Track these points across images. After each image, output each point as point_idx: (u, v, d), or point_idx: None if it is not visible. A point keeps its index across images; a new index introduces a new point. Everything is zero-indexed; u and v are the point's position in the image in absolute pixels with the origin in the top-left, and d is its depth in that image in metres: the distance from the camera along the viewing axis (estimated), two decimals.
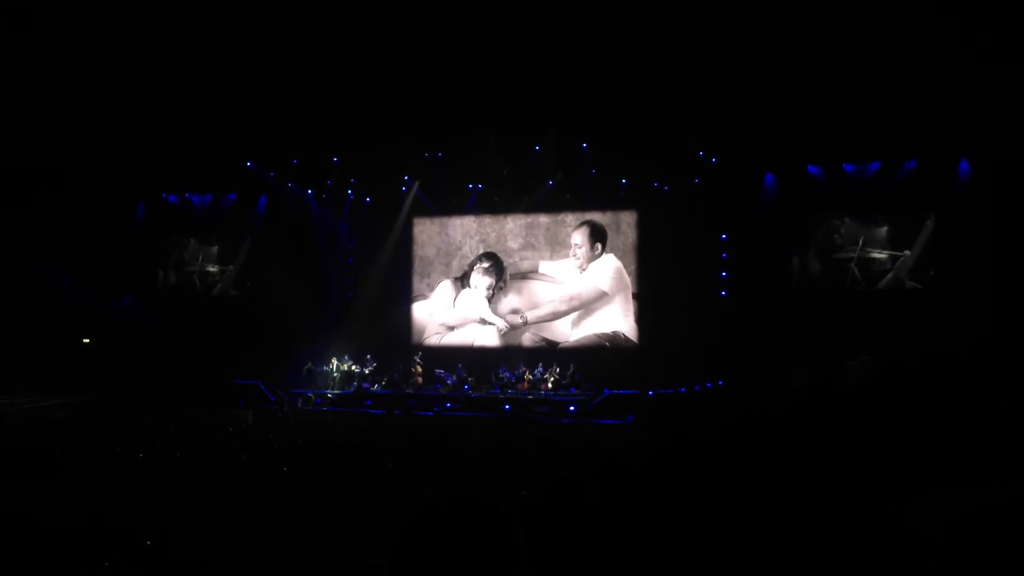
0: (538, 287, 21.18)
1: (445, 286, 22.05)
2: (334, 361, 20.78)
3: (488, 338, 21.29)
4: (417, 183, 22.07)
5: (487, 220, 21.92)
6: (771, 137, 18.26)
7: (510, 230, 21.66)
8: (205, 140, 19.56)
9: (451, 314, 21.75)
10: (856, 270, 18.72)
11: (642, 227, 20.59)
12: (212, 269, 24.03)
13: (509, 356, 20.65)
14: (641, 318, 20.39)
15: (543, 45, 16.85)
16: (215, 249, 24.02)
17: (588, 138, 20.28)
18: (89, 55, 18.28)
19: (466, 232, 22.09)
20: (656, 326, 19.86)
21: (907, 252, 18.36)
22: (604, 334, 20.50)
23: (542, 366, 19.66)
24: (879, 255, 18.53)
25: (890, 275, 18.51)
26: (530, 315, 21.09)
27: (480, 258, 21.77)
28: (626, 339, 20.36)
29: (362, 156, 22.00)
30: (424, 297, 22.28)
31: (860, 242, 18.65)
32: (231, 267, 23.84)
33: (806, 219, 19.29)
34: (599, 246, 20.72)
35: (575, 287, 20.79)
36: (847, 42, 16.13)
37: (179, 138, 19.07)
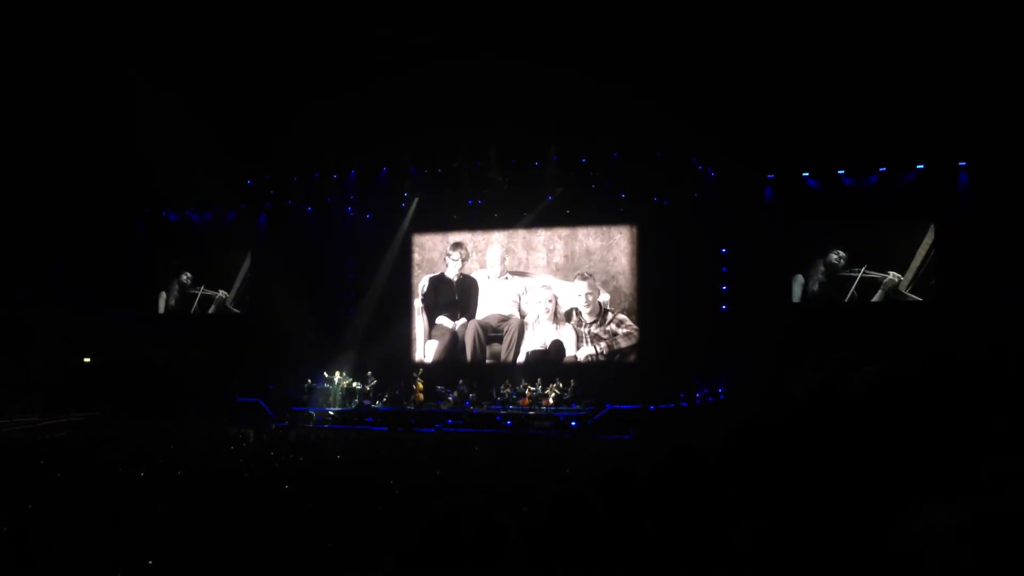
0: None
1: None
2: (335, 378, 20.74)
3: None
4: (417, 198, 22.12)
5: (486, 235, 21.93)
6: (770, 150, 18.32)
7: (510, 245, 21.68)
8: (205, 158, 19.65)
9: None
10: (855, 291, 18.74)
11: (642, 241, 20.61)
12: (212, 288, 24.05)
13: (510, 372, 20.62)
14: (641, 332, 20.38)
15: (544, 61, 16.95)
16: (215, 267, 24.04)
17: (587, 154, 20.34)
18: (88, 71, 18.41)
19: (465, 247, 22.10)
20: (657, 340, 19.83)
21: (892, 274, 18.40)
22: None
23: (543, 381, 19.60)
24: (879, 275, 18.54)
25: (880, 291, 18.54)
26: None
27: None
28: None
29: (361, 172, 22.11)
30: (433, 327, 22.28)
31: (863, 265, 18.66)
32: (232, 285, 23.86)
33: (807, 239, 19.30)
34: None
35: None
36: (846, 54, 16.23)
37: (180, 156, 19.16)
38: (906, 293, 18.43)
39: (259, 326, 22.04)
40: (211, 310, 23.96)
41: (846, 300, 18.81)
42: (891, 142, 17.64)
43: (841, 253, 18.89)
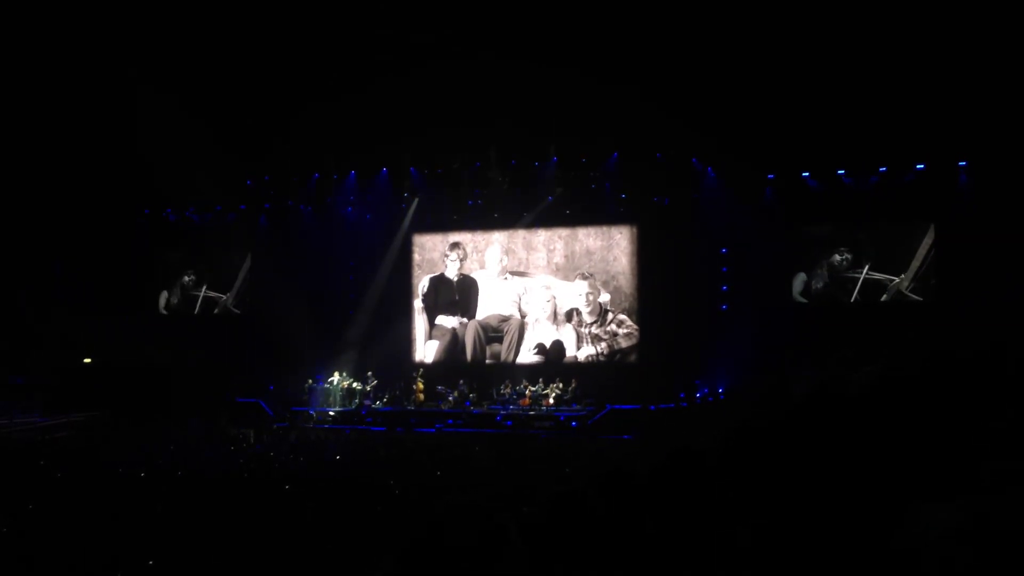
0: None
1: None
2: (335, 378, 20.74)
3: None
4: (416, 199, 22.11)
5: (486, 236, 21.93)
6: (770, 150, 18.32)
7: (510, 245, 21.67)
8: (205, 158, 19.66)
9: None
10: (857, 293, 18.73)
11: (642, 241, 20.60)
12: (214, 290, 24.05)
13: (510, 372, 20.62)
14: (642, 332, 20.37)
15: (544, 61, 16.97)
16: (216, 267, 24.04)
17: (587, 154, 20.34)
18: (88, 71, 18.42)
19: (464, 247, 22.10)
20: (657, 340, 19.83)
21: (903, 275, 18.42)
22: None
23: (543, 381, 19.60)
24: (882, 277, 18.54)
25: (885, 296, 18.54)
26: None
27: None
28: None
29: (361, 173, 22.11)
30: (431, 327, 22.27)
31: (865, 266, 18.65)
32: (232, 285, 23.85)
33: (807, 239, 19.30)
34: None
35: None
36: (846, 53, 16.24)
37: (180, 156, 19.16)
38: (907, 293, 18.43)
39: (259, 326, 22.04)
40: (216, 312, 23.96)
41: (852, 301, 18.79)
42: (891, 142, 17.62)
43: (846, 255, 18.88)
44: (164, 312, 24.27)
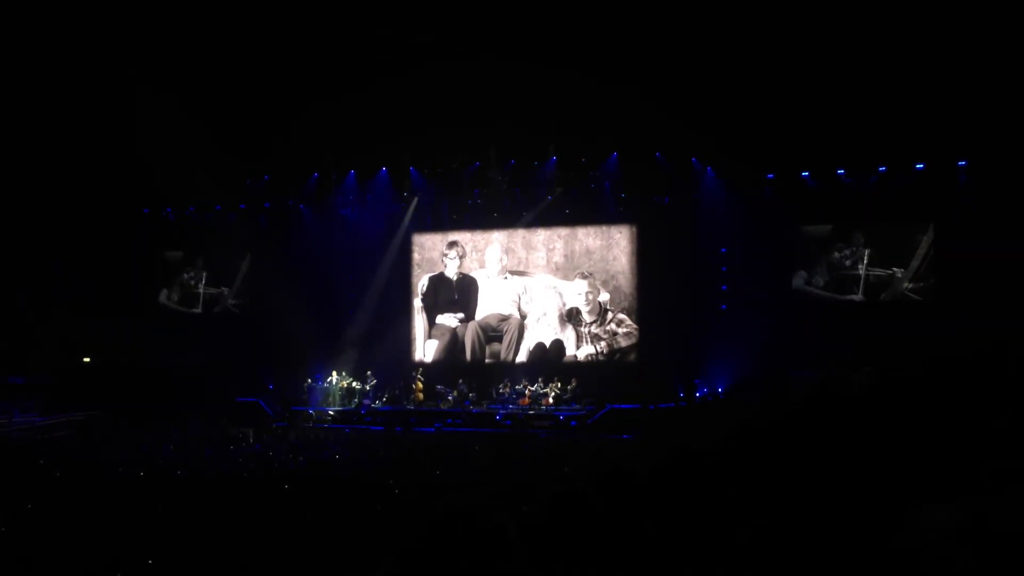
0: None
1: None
2: (334, 377, 20.75)
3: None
4: (416, 199, 22.12)
5: (486, 235, 21.93)
6: (770, 150, 18.33)
7: (509, 245, 21.67)
8: (205, 158, 19.66)
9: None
10: (859, 288, 18.72)
11: (642, 241, 20.60)
12: (212, 287, 24.06)
13: (510, 371, 20.62)
14: (641, 332, 20.38)
15: (544, 61, 16.98)
16: (216, 266, 24.05)
17: (587, 154, 20.34)
18: (88, 71, 18.42)
19: (463, 245, 22.11)
20: (657, 340, 19.84)
21: (897, 270, 18.42)
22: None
23: (543, 381, 19.61)
24: (882, 272, 18.55)
25: (886, 295, 18.55)
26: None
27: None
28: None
29: (361, 172, 22.12)
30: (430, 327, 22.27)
31: (865, 260, 18.66)
32: (231, 285, 23.86)
33: (807, 239, 19.31)
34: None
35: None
36: (846, 53, 16.25)
37: (180, 156, 19.16)
38: (906, 292, 18.43)
39: (259, 326, 22.05)
40: (216, 309, 23.98)
41: (859, 299, 18.77)
42: (891, 142, 17.63)
43: (846, 251, 18.88)
44: (164, 302, 24.25)
